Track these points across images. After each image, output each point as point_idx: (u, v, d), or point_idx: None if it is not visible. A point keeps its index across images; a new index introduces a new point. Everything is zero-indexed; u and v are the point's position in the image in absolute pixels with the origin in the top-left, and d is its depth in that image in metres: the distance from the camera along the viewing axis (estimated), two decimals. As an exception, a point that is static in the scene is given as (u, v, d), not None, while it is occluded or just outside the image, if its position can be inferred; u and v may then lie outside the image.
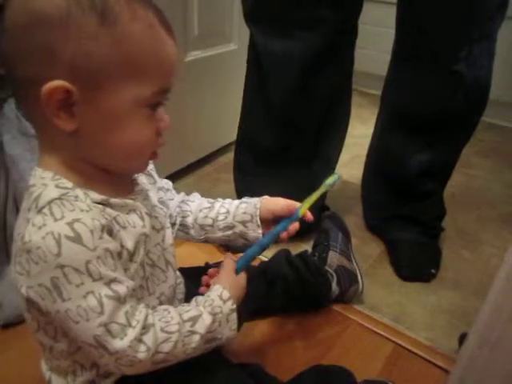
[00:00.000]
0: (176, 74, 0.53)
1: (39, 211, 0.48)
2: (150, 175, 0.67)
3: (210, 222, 0.75)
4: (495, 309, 0.67)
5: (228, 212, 0.75)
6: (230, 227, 0.74)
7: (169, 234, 0.64)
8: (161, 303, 0.61)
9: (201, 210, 0.76)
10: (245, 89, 1.13)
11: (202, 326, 0.56)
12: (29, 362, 0.66)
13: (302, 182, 1.14)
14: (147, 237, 0.57)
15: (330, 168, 1.21)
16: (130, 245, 0.53)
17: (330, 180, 0.74)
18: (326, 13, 0.95)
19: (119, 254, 0.51)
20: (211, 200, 0.77)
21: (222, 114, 1.51)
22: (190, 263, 0.80)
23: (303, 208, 0.72)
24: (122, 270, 0.51)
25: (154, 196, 0.64)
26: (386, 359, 0.89)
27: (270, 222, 0.73)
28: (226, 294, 0.60)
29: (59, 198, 0.49)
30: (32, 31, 0.46)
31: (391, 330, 0.95)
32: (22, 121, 0.88)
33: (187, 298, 0.69)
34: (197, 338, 0.55)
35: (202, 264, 0.83)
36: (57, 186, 0.50)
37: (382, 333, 0.94)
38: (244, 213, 0.74)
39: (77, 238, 0.47)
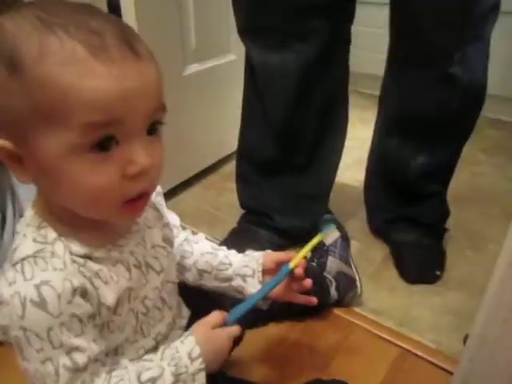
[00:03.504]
0: (128, 102, 0.44)
1: (13, 266, 0.48)
2: (156, 209, 0.64)
3: (209, 269, 0.74)
4: (492, 309, 0.68)
5: (230, 264, 0.73)
6: (228, 279, 0.73)
7: (172, 272, 0.63)
8: (157, 343, 0.61)
9: (202, 255, 0.74)
10: (243, 101, 1.15)
11: None
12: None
13: (304, 189, 1.16)
14: (132, 290, 0.56)
15: (330, 174, 1.22)
16: (110, 300, 0.52)
17: (325, 229, 0.72)
18: (318, 23, 0.96)
19: (92, 316, 0.50)
20: (215, 246, 0.77)
21: (224, 123, 1.53)
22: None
23: (295, 260, 0.70)
24: (93, 332, 0.50)
25: (157, 234, 0.62)
26: (392, 364, 0.89)
27: (273, 270, 0.72)
28: (196, 352, 0.55)
29: (33, 256, 0.47)
30: None
31: (396, 334, 0.95)
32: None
33: (192, 320, 0.67)
34: None
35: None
36: (34, 240, 0.49)
37: (387, 337, 0.94)
38: (246, 266, 0.73)
39: (41, 304, 0.45)
